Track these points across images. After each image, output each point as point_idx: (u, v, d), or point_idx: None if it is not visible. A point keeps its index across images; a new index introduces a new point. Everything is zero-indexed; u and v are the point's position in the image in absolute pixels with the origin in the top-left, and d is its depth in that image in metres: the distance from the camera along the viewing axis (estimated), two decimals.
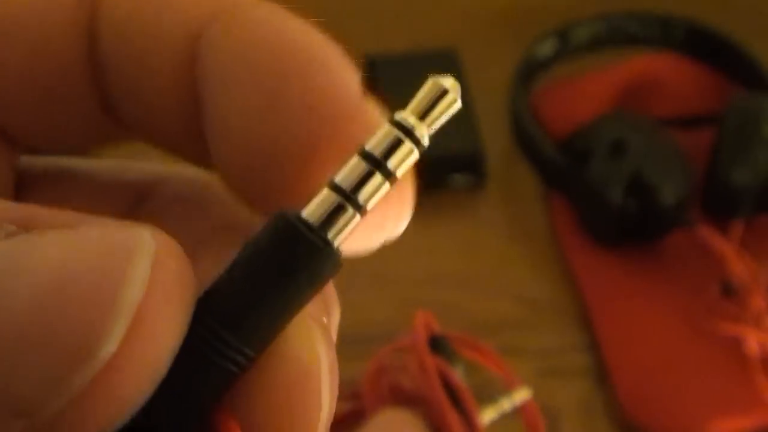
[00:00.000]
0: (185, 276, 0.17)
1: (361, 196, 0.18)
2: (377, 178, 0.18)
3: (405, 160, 0.19)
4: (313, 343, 0.19)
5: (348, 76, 0.20)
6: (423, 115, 0.19)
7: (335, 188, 0.18)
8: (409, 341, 0.53)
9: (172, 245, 0.17)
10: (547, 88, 0.75)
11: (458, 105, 0.18)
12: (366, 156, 0.18)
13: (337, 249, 0.19)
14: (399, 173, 0.19)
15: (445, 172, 0.72)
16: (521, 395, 0.53)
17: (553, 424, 0.61)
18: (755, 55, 0.73)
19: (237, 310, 0.18)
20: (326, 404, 0.19)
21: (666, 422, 0.60)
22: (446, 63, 0.78)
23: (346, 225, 0.18)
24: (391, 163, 0.19)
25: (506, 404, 0.53)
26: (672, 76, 0.75)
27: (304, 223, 0.18)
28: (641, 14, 0.76)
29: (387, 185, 0.18)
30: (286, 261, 0.18)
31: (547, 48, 0.75)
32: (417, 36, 0.82)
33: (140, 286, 0.16)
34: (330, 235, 0.18)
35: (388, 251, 0.78)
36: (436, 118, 0.19)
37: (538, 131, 0.69)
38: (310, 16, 0.80)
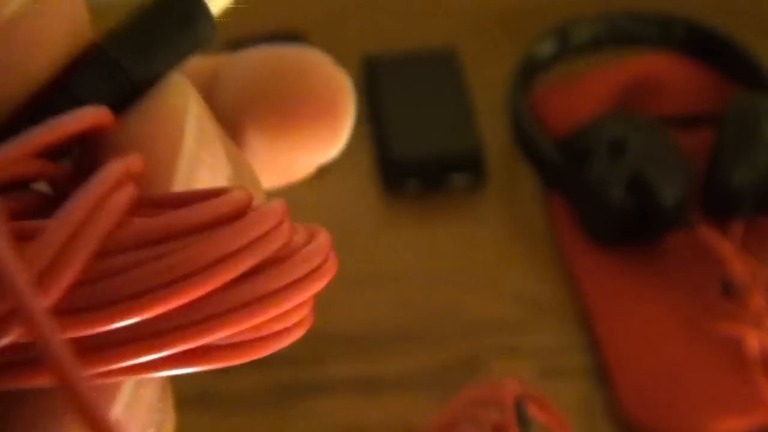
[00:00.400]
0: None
1: None
2: None
3: None
4: (187, 93, 0.22)
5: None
6: None
7: None
8: (489, 395, 0.51)
9: None
10: (547, 88, 0.75)
11: None
12: None
13: (213, 16, 0.23)
14: None
15: (445, 172, 0.72)
16: None
17: None
18: (755, 55, 0.73)
19: (130, 42, 0.22)
20: (188, 148, 0.21)
21: (666, 422, 0.60)
22: (446, 63, 0.78)
23: None
24: None
25: None
26: (672, 76, 0.75)
27: None
28: (641, 14, 0.76)
29: None
30: (167, 10, 0.22)
31: (547, 48, 0.75)
32: (417, 36, 0.82)
33: None
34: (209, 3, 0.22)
35: (388, 251, 0.78)
36: None
37: (538, 131, 0.69)
38: (311, 16, 0.80)
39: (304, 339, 0.73)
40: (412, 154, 0.72)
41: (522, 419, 0.50)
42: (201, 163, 0.21)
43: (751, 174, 0.65)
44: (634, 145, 0.65)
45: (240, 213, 0.20)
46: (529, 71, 0.73)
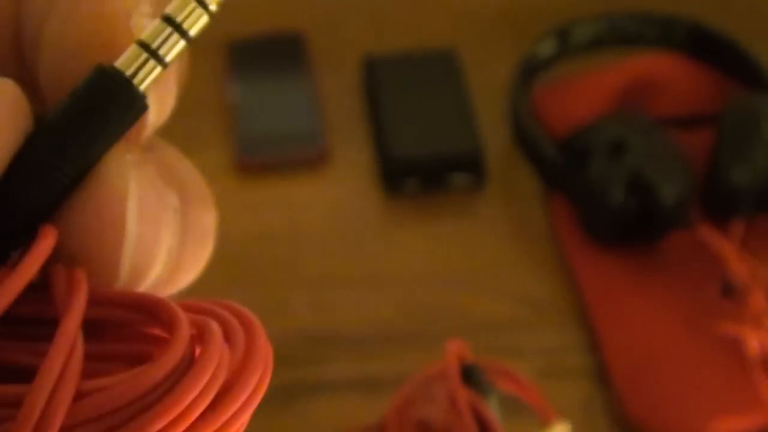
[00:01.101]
0: (19, 106, 0.21)
1: (162, 50, 0.22)
2: (175, 36, 0.22)
3: (199, 23, 0.22)
4: (125, 174, 0.22)
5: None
6: None
7: (140, 44, 0.22)
8: (438, 370, 0.50)
9: (9, 85, 0.21)
10: (547, 88, 0.75)
11: None
12: (166, 19, 0.22)
13: (142, 91, 0.22)
14: (192, 33, 0.22)
15: (445, 172, 0.72)
16: (559, 430, 0.52)
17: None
18: (755, 55, 0.73)
19: (59, 135, 0.22)
20: (132, 232, 0.22)
21: (666, 422, 0.60)
22: (446, 63, 0.78)
23: (149, 75, 0.22)
24: (186, 25, 0.22)
25: None
26: (672, 76, 0.75)
27: (114, 68, 0.22)
28: (641, 14, 0.76)
29: (183, 43, 0.22)
30: (98, 95, 0.22)
31: (547, 48, 0.75)
32: (417, 36, 0.82)
33: None
34: (135, 80, 0.22)
35: (388, 251, 0.78)
36: None
37: (538, 131, 0.69)
38: (311, 16, 0.80)
39: (304, 339, 0.73)
40: (412, 154, 0.72)
41: (474, 382, 0.50)
42: (145, 240, 0.22)
43: (751, 174, 0.65)
44: (634, 145, 0.65)
45: (188, 359, 0.21)
46: (529, 71, 0.73)
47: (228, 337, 0.22)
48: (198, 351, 0.21)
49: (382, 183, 0.72)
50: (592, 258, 0.67)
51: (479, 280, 0.68)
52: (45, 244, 0.21)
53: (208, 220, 0.25)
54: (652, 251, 0.67)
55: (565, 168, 0.67)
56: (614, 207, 0.64)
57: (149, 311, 0.21)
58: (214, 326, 0.21)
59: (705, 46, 0.75)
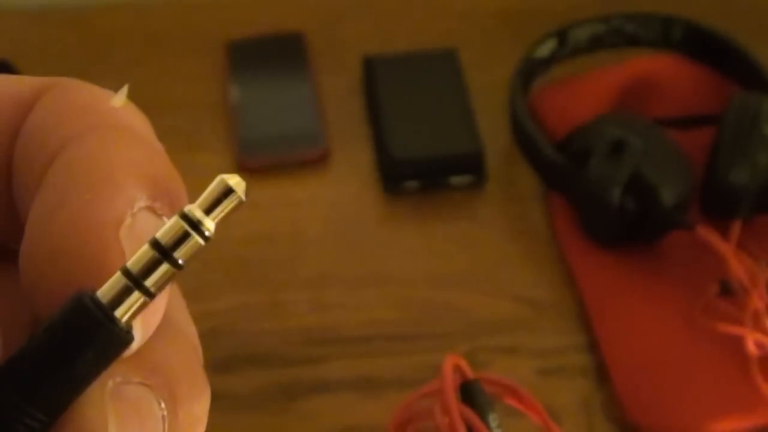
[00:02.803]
0: None
1: (149, 281, 0.20)
2: (164, 265, 0.21)
3: (191, 250, 0.21)
4: (104, 416, 0.21)
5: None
6: (209, 210, 0.21)
7: (126, 273, 0.20)
8: (437, 387, 0.50)
9: None
10: (547, 88, 0.75)
11: (242, 201, 0.21)
12: (155, 245, 0.20)
13: (124, 328, 0.21)
14: (183, 261, 0.21)
15: (445, 172, 0.72)
16: None
17: None
18: (755, 55, 0.73)
19: (30, 379, 0.20)
20: None
21: (666, 422, 0.60)
22: (446, 63, 0.78)
23: (133, 306, 0.21)
24: (177, 253, 0.21)
25: None
26: (671, 77, 0.75)
27: (95, 302, 0.20)
28: (641, 15, 0.76)
29: (173, 271, 0.21)
30: (75, 335, 0.20)
31: (546, 48, 0.75)
32: (417, 36, 0.82)
33: None
34: (117, 314, 0.20)
35: (388, 251, 0.78)
36: (221, 213, 0.21)
37: (538, 132, 0.69)
38: (311, 17, 0.80)
39: (304, 339, 0.73)
40: (412, 155, 0.72)
41: (474, 399, 0.50)
42: None
43: (750, 174, 0.65)
44: (634, 145, 0.65)
45: None
46: (529, 72, 0.73)
47: None
48: None
49: (382, 183, 0.73)
50: (592, 258, 0.67)
51: (479, 280, 0.68)
52: None
53: (198, 409, 0.24)
54: (651, 251, 0.67)
55: (565, 168, 0.67)
56: (614, 207, 0.64)
57: None
58: None
59: (704, 47, 0.75)
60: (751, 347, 0.60)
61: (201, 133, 0.76)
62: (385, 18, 0.84)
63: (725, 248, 0.63)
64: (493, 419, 0.49)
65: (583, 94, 0.74)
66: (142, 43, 0.82)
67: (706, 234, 0.63)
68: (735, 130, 0.66)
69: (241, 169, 0.73)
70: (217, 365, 0.63)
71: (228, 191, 0.21)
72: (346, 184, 0.73)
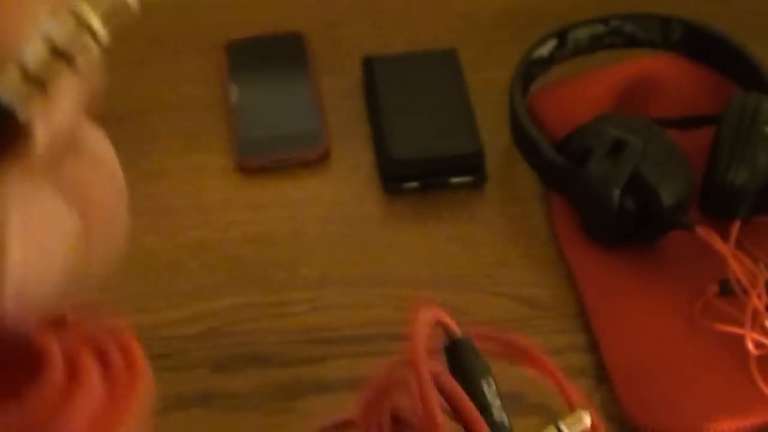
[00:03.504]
0: None
1: (43, 73, 0.21)
2: (59, 61, 0.21)
3: (86, 49, 0.22)
4: (5, 206, 0.22)
5: None
6: (101, 13, 0.22)
7: (18, 63, 0.21)
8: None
9: None
10: (547, 88, 0.75)
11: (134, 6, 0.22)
12: (47, 40, 0.21)
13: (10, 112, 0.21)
14: (81, 60, 0.22)
15: (444, 172, 0.72)
16: (578, 422, 0.41)
17: None
18: (753, 55, 0.73)
19: None
20: (14, 257, 0.22)
21: (665, 422, 0.60)
22: (446, 63, 0.78)
23: (20, 91, 0.21)
24: (73, 51, 0.22)
25: None
26: (671, 77, 0.75)
27: None
28: (640, 15, 0.76)
29: (68, 68, 0.22)
30: None
31: (546, 49, 0.75)
32: (417, 36, 0.82)
33: None
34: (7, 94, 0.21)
35: (388, 251, 0.78)
36: (112, 18, 0.22)
37: (537, 132, 0.69)
38: (311, 18, 0.80)
39: (304, 339, 0.73)
40: (412, 155, 0.72)
41: (461, 362, 0.40)
42: (31, 263, 0.22)
43: (750, 174, 0.65)
44: (634, 145, 0.65)
45: (58, 397, 0.21)
46: (528, 72, 0.74)
47: (104, 366, 0.21)
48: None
49: (382, 183, 0.73)
50: (592, 258, 0.67)
51: (479, 280, 0.68)
52: None
53: (114, 234, 0.25)
54: (651, 251, 0.67)
55: (565, 168, 0.67)
56: (613, 207, 0.64)
57: (24, 348, 0.21)
58: (89, 361, 0.21)
59: (703, 47, 0.75)
60: (751, 347, 0.60)
61: (201, 133, 0.76)
62: (385, 18, 0.84)
63: (725, 248, 0.63)
64: (488, 385, 0.41)
65: (583, 94, 0.74)
66: (142, 43, 0.82)
67: (706, 234, 0.63)
68: (735, 130, 0.66)
69: (242, 169, 0.73)
70: (217, 365, 0.63)
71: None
72: (346, 184, 0.73)
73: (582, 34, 0.76)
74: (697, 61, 0.76)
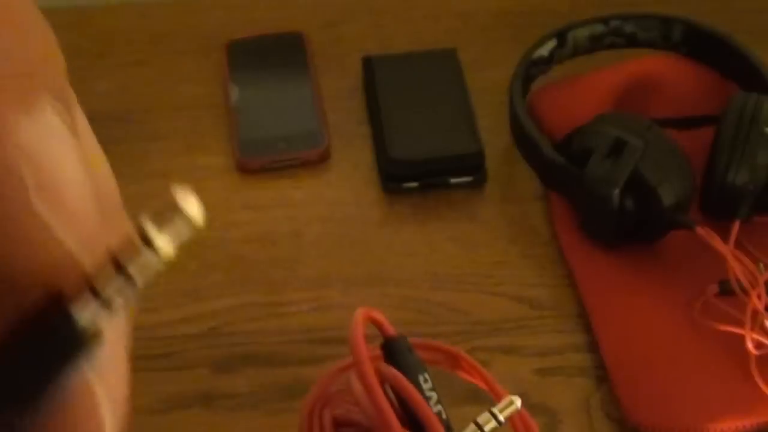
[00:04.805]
0: None
1: (108, 292, 0.22)
2: (121, 278, 0.22)
3: (144, 267, 0.22)
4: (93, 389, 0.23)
5: None
6: (164, 227, 0.22)
7: (89, 284, 0.22)
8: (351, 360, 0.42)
9: None
10: (547, 88, 0.75)
11: (198, 223, 0.23)
12: (113, 259, 0.22)
13: (86, 331, 0.22)
14: (138, 277, 0.22)
15: (444, 172, 0.72)
16: (509, 406, 0.43)
17: (552, 424, 0.61)
18: (754, 55, 0.73)
19: (5, 377, 0.21)
20: (109, 418, 0.23)
21: (665, 422, 0.60)
22: (446, 63, 0.78)
23: (94, 313, 0.22)
24: (131, 269, 0.22)
25: (492, 424, 0.43)
26: (671, 77, 0.75)
27: (61, 309, 0.22)
28: (640, 15, 0.76)
29: (130, 285, 0.22)
30: (44, 339, 0.22)
31: (546, 49, 0.75)
32: (417, 36, 0.82)
33: None
34: (81, 321, 0.22)
35: (388, 251, 0.78)
36: (175, 234, 0.22)
37: (537, 132, 0.69)
38: (312, 18, 0.80)
39: (304, 339, 0.73)
40: (412, 155, 0.72)
41: (401, 358, 0.43)
42: None
43: (750, 174, 0.65)
44: (633, 145, 0.65)
45: None
46: (528, 72, 0.74)
47: None
48: None
49: (382, 183, 0.73)
50: (592, 258, 0.67)
51: (479, 280, 0.68)
52: None
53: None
54: (651, 251, 0.67)
55: (565, 168, 0.67)
56: (613, 207, 0.64)
57: None
58: None
59: (703, 46, 0.75)
60: (751, 347, 0.60)
61: (201, 133, 0.76)
62: (385, 18, 0.84)
63: (725, 248, 0.63)
64: (425, 380, 0.42)
65: (583, 94, 0.74)
66: (142, 43, 0.82)
67: (706, 234, 0.63)
68: (735, 130, 0.66)
69: (241, 169, 0.73)
70: (217, 365, 0.63)
71: (179, 210, 0.22)
72: (346, 184, 0.73)
73: (582, 34, 0.76)
74: (697, 61, 0.76)
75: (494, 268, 0.68)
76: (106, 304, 0.22)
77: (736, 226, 0.64)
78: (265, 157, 0.73)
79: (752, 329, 0.60)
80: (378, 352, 0.43)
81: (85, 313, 0.22)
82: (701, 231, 0.63)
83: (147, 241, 0.22)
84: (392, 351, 0.43)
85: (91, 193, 0.24)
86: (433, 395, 0.42)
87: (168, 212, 0.22)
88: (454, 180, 0.72)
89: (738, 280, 0.61)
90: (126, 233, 0.23)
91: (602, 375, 0.63)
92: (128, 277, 0.22)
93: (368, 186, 0.73)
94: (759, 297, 0.61)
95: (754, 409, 0.60)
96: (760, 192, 0.65)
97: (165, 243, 0.22)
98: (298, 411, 0.46)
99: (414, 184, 0.72)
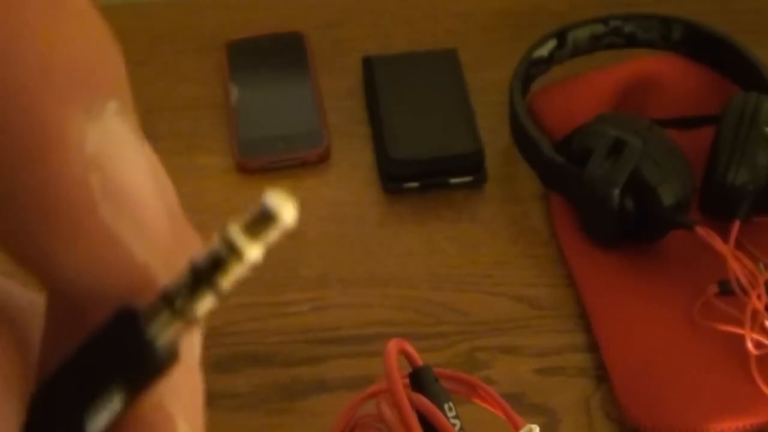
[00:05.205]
0: (15, 376, 0.19)
1: (188, 306, 0.20)
2: (203, 289, 0.20)
3: (230, 274, 0.20)
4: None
5: None
6: (252, 233, 0.20)
7: (165, 296, 0.20)
8: (384, 385, 0.44)
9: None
10: (546, 88, 0.75)
11: (289, 224, 0.20)
12: (193, 269, 0.20)
13: (163, 349, 0.20)
14: (224, 285, 0.20)
15: (444, 172, 0.72)
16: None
17: (552, 424, 0.61)
18: (753, 55, 0.73)
19: (76, 399, 0.20)
20: None
21: (665, 422, 0.60)
22: (446, 63, 0.78)
23: (172, 330, 0.20)
24: (216, 276, 0.20)
25: None
26: (671, 77, 0.75)
27: (134, 325, 0.20)
28: (640, 15, 0.76)
29: (212, 295, 0.20)
30: (117, 358, 0.20)
31: (546, 49, 0.75)
32: (417, 36, 0.82)
33: None
34: (157, 338, 0.20)
35: (388, 251, 0.78)
36: (264, 238, 0.20)
37: (537, 132, 0.69)
38: (312, 18, 0.80)
39: (304, 339, 0.73)
40: (412, 155, 0.72)
41: (425, 387, 0.45)
42: None
43: (750, 174, 0.65)
44: (633, 145, 0.65)
45: None
46: (528, 72, 0.74)
47: None
48: None
49: (382, 183, 0.73)
50: (592, 258, 0.67)
51: (479, 280, 0.68)
52: None
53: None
54: (651, 251, 0.67)
55: (564, 168, 0.67)
56: (613, 207, 0.64)
57: None
58: None
59: (703, 47, 0.75)
60: (751, 347, 0.60)
61: (201, 133, 0.76)
62: (385, 18, 0.84)
63: (725, 248, 0.63)
64: (449, 409, 0.45)
65: (583, 94, 0.74)
66: (142, 43, 0.82)
67: (706, 234, 0.63)
68: (734, 130, 0.66)
69: (241, 169, 0.73)
70: (217, 365, 0.63)
71: (273, 216, 0.20)
72: (346, 184, 0.73)
73: (582, 34, 0.76)
74: (697, 61, 0.76)
75: (494, 268, 0.68)
76: (184, 317, 0.20)
77: (736, 226, 0.64)
78: (265, 157, 0.73)
79: (752, 329, 0.60)
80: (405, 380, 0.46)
81: (161, 329, 0.20)
82: (701, 231, 0.63)
83: (233, 249, 0.20)
84: (420, 380, 0.46)
85: (162, 203, 0.22)
86: (457, 423, 0.44)
87: (256, 216, 0.20)
88: (454, 180, 0.72)
89: (738, 280, 0.61)
90: (198, 243, 0.22)
91: (602, 375, 0.63)
92: (210, 288, 0.20)
93: (368, 186, 0.73)
94: (759, 297, 0.61)
95: (754, 409, 0.60)
96: (760, 192, 0.65)
97: (254, 250, 0.20)
98: (323, 428, 0.48)
99: (414, 184, 0.72)
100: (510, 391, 0.62)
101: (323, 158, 0.74)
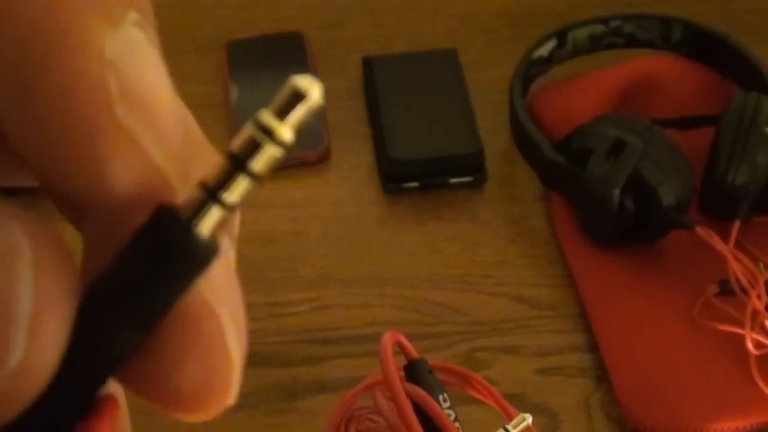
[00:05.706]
0: (66, 271, 0.19)
1: (227, 195, 0.20)
2: (242, 178, 0.20)
3: (268, 160, 0.20)
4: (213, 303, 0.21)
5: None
6: (283, 115, 0.20)
7: (203, 187, 0.20)
8: (379, 377, 0.45)
9: (47, 238, 0.19)
10: (547, 88, 0.75)
11: (318, 104, 0.20)
12: (232, 157, 0.20)
13: (207, 241, 0.20)
14: (263, 172, 0.20)
15: (444, 172, 0.72)
16: (521, 422, 0.45)
17: (552, 424, 0.61)
18: (754, 55, 0.73)
19: (122, 299, 0.20)
20: (236, 347, 0.22)
21: (665, 422, 0.60)
22: (446, 63, 0.78)
23: (214, 220, 0.20)
24: (254, 164, 0.20)
25: None
26: (671, 77, 0.75)
27: (177, 219, 0.20)
28: (640, 15, 0.76)
29: (250, 183, 0.20)
30: (162, 253, 0.20)
31: (546, 49, 0.75)
32: (417, 36, 0.82)
33: (29, 294, 0.18)
34: (200, 229, 0.20)
35: (388, 251, 0.78)
36: (296, 119, 0.20)
37: (537, 132, 0.70)
38: (312, 18, 0.80)
39: (304, 339, 0.73)
40: (412, 155, 0.72)
41: (423, 379, 0.45)
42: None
43: (750, 174, 0.65)
44: (633, 145, 0.65)
45: None
46: (528, 72, 0.74)
47: None
48: None
49: (382, 183, 0.73)
50: (592, 258, 0.67)
51: (479, 280, 0.68)
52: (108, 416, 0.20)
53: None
54: (651, 251, 0.67)
55: (564, 168, 0.67)
56: (613, 207, 0.64)
57: None
58: None
59: (703, 47, 0.75)
60: (751, 347, 0.60)
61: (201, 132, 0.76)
62: (385, 18, 0.84)
63: (725, 248, 0.63)
64: (444, 400, 0.45)
65: (583, 94, 0.74)
66: None
67: (706, 234, 0.63)
68: (734, 130, 0.66)
69: None
70: None
71: (301, 95, 0.20)
72: (346, 184, 0.73)
73: (582, 34, 0.76)
74: (697, 61, 0.76)
75: (494, 268, 0.68)
76: (224, 205, 0.20)
77: (736, 226, 0.64)
78: None
79: (752, 329, 0.60)
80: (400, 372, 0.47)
81: (202, 220, 0.20)
82: (701, 231, 0.63)
83: (268, 132, 0.20)
84: (414, 372, 0.46)
85: (178, 111, 0.22)
86: (452, 413, 0.45)
87: (286, 97, 0.21)
88: (454, 180, 0.72)
89: (738, 280, 0.61)
90: (217, 159, 0.21)
91: (602, 375, 0.63)
92: (246, 173, 0.20)
93: (368, 186, 0.73)
94: (759, 297, 0.61)
95: (754, 409, 0.60)
96: (760, 192, 0.65)
97: (287, 131, 0.20)
98: (324, 428, 0.48)
99: (414, 184, 0.72)
100: (510, 391, 0.62)
101: (323, 158, 0.74)
